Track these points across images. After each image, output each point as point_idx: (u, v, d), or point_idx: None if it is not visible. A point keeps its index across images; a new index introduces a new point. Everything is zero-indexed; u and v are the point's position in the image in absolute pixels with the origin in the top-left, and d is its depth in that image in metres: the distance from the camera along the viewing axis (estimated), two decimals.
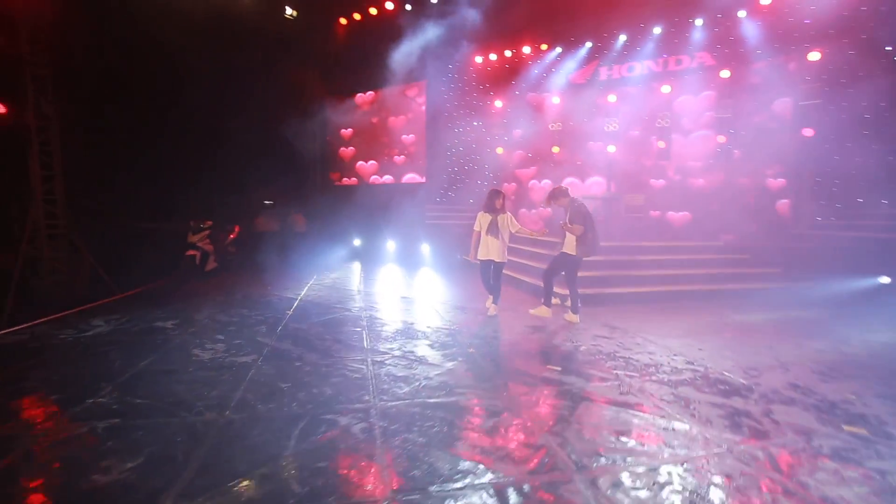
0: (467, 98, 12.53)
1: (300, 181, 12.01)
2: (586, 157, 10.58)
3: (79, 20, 8.11)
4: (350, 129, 13.08)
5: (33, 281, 7.89)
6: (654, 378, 3.69)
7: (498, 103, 12.25)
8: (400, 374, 3.72)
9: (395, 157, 12.60)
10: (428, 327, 5.14)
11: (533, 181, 10.42)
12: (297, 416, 2.95)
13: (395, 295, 6.98)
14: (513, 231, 5.43)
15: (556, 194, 5.29)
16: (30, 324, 4.83)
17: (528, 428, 2.83)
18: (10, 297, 7.56)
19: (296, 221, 11.01)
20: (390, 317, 5.68)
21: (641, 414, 3.03)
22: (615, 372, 3.81)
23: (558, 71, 11.97)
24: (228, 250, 8.84)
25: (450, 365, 3.95)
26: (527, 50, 12.32)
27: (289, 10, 11.24)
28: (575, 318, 5.40)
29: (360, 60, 11.65)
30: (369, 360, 4.06)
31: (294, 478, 2.29)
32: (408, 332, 4.95)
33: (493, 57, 12.58)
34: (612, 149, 11.00)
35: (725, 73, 9.68)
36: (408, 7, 11.27)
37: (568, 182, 9.70)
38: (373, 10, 11.56)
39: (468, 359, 4.11)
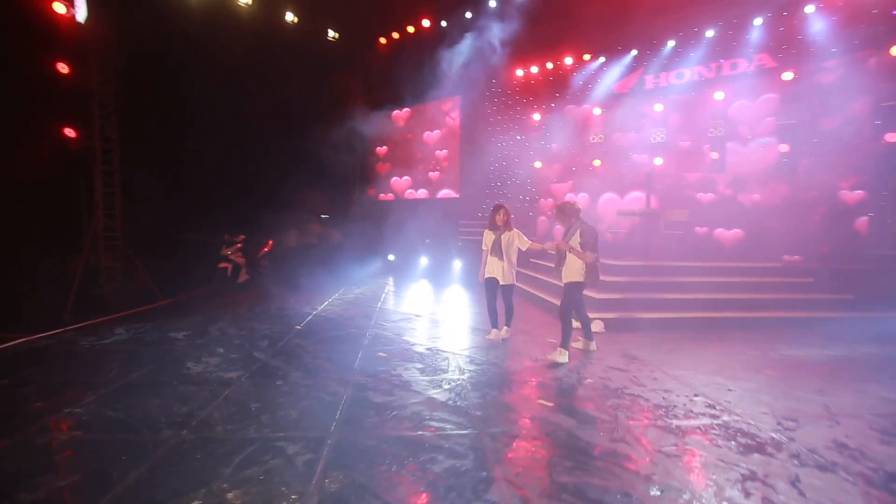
0: (503, 112, 12.30)
1: (337, 197, 12.33)
2: (629, 171, 9.90)
3: (140, 52, 8.95)
4: (386, 146, 13.29)
5: (93, 288, 8.64)
6: (659, 423, 3.17)
7: (536, 116, 11.88)
8: (376, 401, 3.51)
9: (430, 172, 12.58)
10: (428, 350, 4.90)
11: (569, 195, 9.87)
12: (250, 441, 2.83)
13: (411, 313, 6.81)
14: (522, 249, 5.00)
15: (567, 210, 4.62)
16: (59, 330, 5.20)
17: (482, 479, 2.48)
18: (70, 302, 8.38)
19: (330, 235, 11.27)
20: (396, 336, 5.49)
21: (623, 470, 2.57)
22: (615, 412, 3.34)
23: (601, 81, 11.43)
24: (261, 264, 9.17)
25: (433, 393, 3.68)
26: (569, 61, 11.92)
27: (331, 33, 11.71)
28: (592, 344, 4.91)
29: (396, 78, 11.84)
30: (352, 382, 3.89)
31: None
32: (405, 354, 4.74)
33: (534, 70, 12.29)
34: (658, 161, 10.22)
35: (788, 75, 8.67)
36: (443, 24, 11.33)
37: (606, 198, 9.09)
38: (410, 29, 11.74)
39: (455, 387, 3.81)
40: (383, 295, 8.29)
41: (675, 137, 10.35)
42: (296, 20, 10.84)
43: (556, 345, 5.07)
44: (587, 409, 3.40)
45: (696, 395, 3.68)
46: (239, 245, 8.40)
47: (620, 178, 9.16)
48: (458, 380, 3.98)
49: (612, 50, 11.26)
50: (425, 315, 6.65)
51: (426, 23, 11.45)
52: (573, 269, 4.53)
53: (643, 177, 7.95)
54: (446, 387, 3.82)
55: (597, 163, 11.04)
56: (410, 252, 11.21)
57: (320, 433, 2.95)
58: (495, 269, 4.98)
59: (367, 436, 2.92)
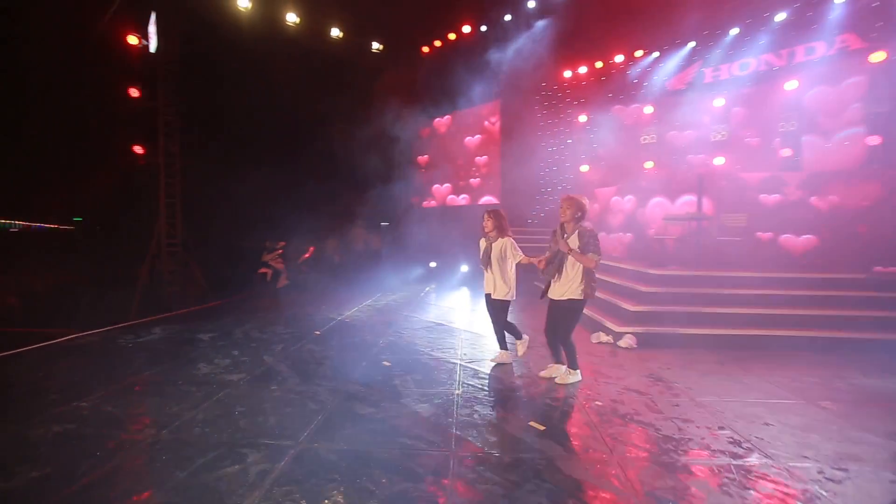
0: (547, 115, 11.85)
1: (380, 204, 12.53)
2: (684, 172, 9.04)
3: (197, 73, 9.76)
4: (428, 152, 13.33)
5: (156, 289, 9.47)
6: (662, 459, 2.73)
7: (582, 118, 11.30)
8: (359, 412, 3.38)
9: (471, 179, 12.41)
10: (435, 360, 4.71)
11: (615, 198, 9.20)
12: (217, 446, 2.82)
13: (435, 322, 6.64)
14: (517, 261, 4.32)
15: (575, 205, 3.78)
16: (105, 328, 5.68)
17: None
18: (135, 302, 9.26)
19: (371, 242, 11.47)
20: (408, 345, 5.36)
21: None
22: (613, 443, 2.93)
23: (654, 77, 10.63)
24: (301, 269, 9.51)
25: (419, 407, 3.48)
26: (619, 58, 11.24)
27: (375, 45, 12.02)
28: (576, 374, 4.04)
29: (438, 85, 11.87)
30: (344, 391, 3.80)
31: None
32: (409, 364, 4.58)
33: (582, 70, 11.75)
34: (720, 161, 9.24)
35: (879, 56, 7.44)
36: (483, 28, 11.19)
37: (655, 202, 8.32)
38: (451, 36, 11.73)
39: (445, 402, 3.58)
40: (415, 302, 8.21)
41: (739, 134, 9.32)
42: (340, 35, 11.26)
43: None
44: (582, 437, 3.02)
45: (721, 428, 3.14)
46: (279, 251, 8.76)
47: (672, 180, 8.36)
48: (452, 395, 3.74)
49: (668, 43, 10.45)
50: (449, 325, 6.45)
51: (467, 29, 11.37)
52: (566, 283, 3.82)
53: (695, 178, 7.17)
54: (437, 401, 3.60)
55: (649, 165, 10.24)
56: (452, 260, 11.08)
57: (288, 442, 2.88)
58: (488, 280, 4.44)
59: (331, 449, 2.80)
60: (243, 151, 10.81)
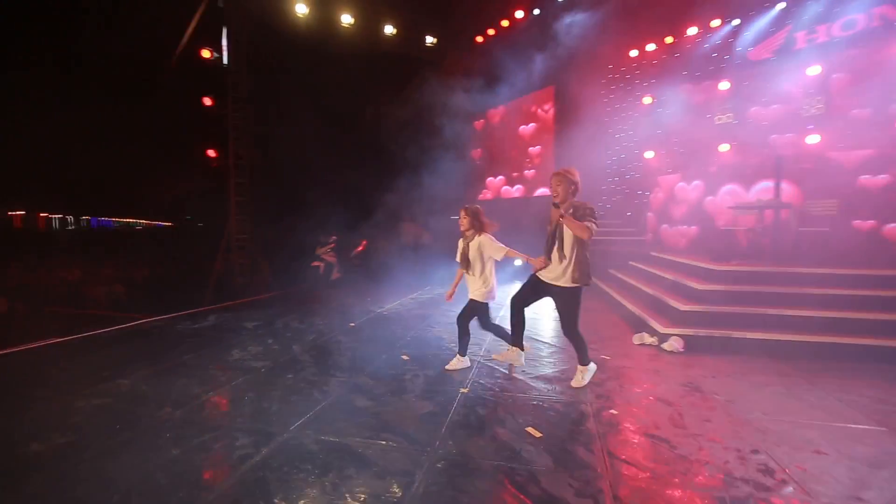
0: (608, 99, 11.03)
1: (437, 198, 12.57)
2: (765, 155, 7.91)
3: (261, 79, 10.50)
4: (482, 144, 13.09)
5: (228, 281, 10.41)
6: (663, 483, 2.37)
7: (647, 100, 10.35)
8: (357, 405, 3.39)
9: (525, 170, 11.97)
10: (456, 370, 4.57)
11: (680, 184, 8.28)
12: (216, 428, 2.98)
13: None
14: (497, 258, 4.02)
15: (566, 181, 3.32)
16: (168, 315, 6.32)
17: None
18: (209, 292, 10.25)
19: (423, 235, 11.57)
20: (436, 339, 5.30)
21: None
22: (612, 459, 2.61)
23: (733, 49, 9.42)
24: (353, 262, 9.86)
25: (418, 404, 3.40)
26: (693, 31, 10.11)
27: (429, 39, 12.03)
28: (589, 369, 3.72)
29: (492, 74, 11.59)
30: (352, 383, 3.84)
31: (133, 486, 2.30)
32: (427, 359, 4.52)
33: (650, 47, 10.77)
34: (814, 139, 7.93)
35: None
36: (536, 12, 10.69)
37: (726, 189, 7.34)
38: (505, 23, 11.37)
39: (446, 401, 3.46)
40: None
41: (840, 106, 7.92)
42: (394, 32, 11.42)
43: (605, 362, 4.33)
44: (579, 449, 2.73)
45: (754, 452, 2.66)
46: (331, 245, 9.16)
47: (747, 164, 7.35)
48: (456, 393, 3.61)
49: (752, 8, 9.18)
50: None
51: (520, 14, 10.94)
52: (567, 269, 3.40)
53: (773, 161, 6.21)
54: (439, 399, 3.50)
55: (724, 148, 9.09)
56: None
57: (278, 430, 2.96)
58: (468, 281, 4.18)
59: (316, 440, 2.83)
60: (304, 151, 11.45)
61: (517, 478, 2.42)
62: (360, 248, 10.13)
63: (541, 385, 3.80)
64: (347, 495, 2.26)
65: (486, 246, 3.98)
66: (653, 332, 5.01)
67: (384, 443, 2.79)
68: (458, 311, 4.24)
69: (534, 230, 10.70)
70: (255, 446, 2.75)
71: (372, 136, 12.35)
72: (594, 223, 3.23)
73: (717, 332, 4.65)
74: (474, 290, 4.12)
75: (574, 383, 3.69)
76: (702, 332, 4.70)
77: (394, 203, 12.16)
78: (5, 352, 4.60)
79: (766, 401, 3.41)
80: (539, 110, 11.55)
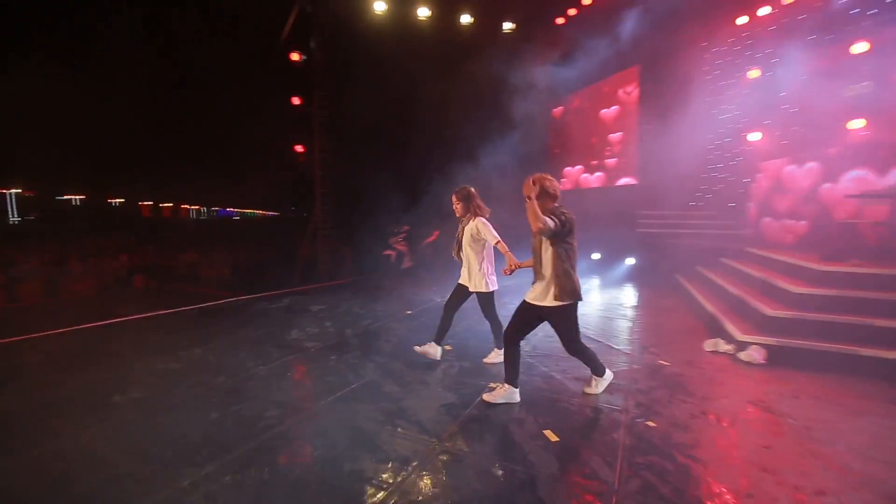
0: (705, 77, 9.74)
1: (512, 186, 12.30)
2: None
3: (344, 77, 11.12)
4: (561, 131, 12.44)
5: (313, 266, 11.31)
6: None
7: (753, 73, 8.96)
8: (384, 390, 3.47)
9: (606, 159, 11.13)
10: (493, 364, 4.38)
11: (790, 167, 7.03)
12: (254, 398, 3.26)
13: None
14: (491, 243, 3.77)
15: (539, 185, 2.87)
16: (255, 295, 7.05)
17: (374, 493, 2.16)
18: (298, 276, 11.23)
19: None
20: (483, 332, 5.17)
21: None
22: (631, 475, 2.33)
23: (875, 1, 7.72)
24: (425, 252, 10.06)
25: (444, 394, 3.38)
26: None
27: (507, 25, 11.71)
28: (605, 378, 3.40)
29: (573, 57, 10.93)
30: (386, 368, 3.94)
31: (172, 440, 2.62)
32: (466, 351, 4.49)
33: (763, 11, 9.29)
34: None
35: None
36: None
37: (852, 176, 6.05)
38: (586, 1, 10.62)
39: (471, 394, 3.39)
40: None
41: None
42: (471, 20, 11.31)
43: (661, 368, 3.93)
44: (596, 459, 2.48)
45: (819, 493, 2.19)
46: (403, 234, 9.45)
47: (881, 144, 6.02)
48: (483, 386, 3.51)
49: None
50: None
51: None
52: (548, 285, 3.05)
53: None
54: (464, 391, 3.44)
55: (857, 124, 7.53)
56: (585, 245, 10.23)
57: (303, 406, 3.15)
58: (463, 271, 4.01)
59: (335, 420, 2.95)
60: (383, 144, 11.95)
61: (516, 480, 2.28)
62: (431, 238, 10.30)
63: (576, 387, 3.53)
64: (340, 472, 2.33)
65: (481, 230, 3.80)
66: (729, 339, 4.37)
67: (395, 429, 2.82)
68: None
69: (611, 222, 10.01)
70: (279, 418, 2.95)
71: (447, 128, 12.43)
72: (555, 221, 2.84)
73: (809, 345, 3.90)
74: (469, 277, 3.98)
75: (588, 389, 3.39)
76: (790, 342, 3.98)
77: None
78: (121, 319, 5.52)
79: (859, 433, 2.77)
80: (622, 92, 10.64)
